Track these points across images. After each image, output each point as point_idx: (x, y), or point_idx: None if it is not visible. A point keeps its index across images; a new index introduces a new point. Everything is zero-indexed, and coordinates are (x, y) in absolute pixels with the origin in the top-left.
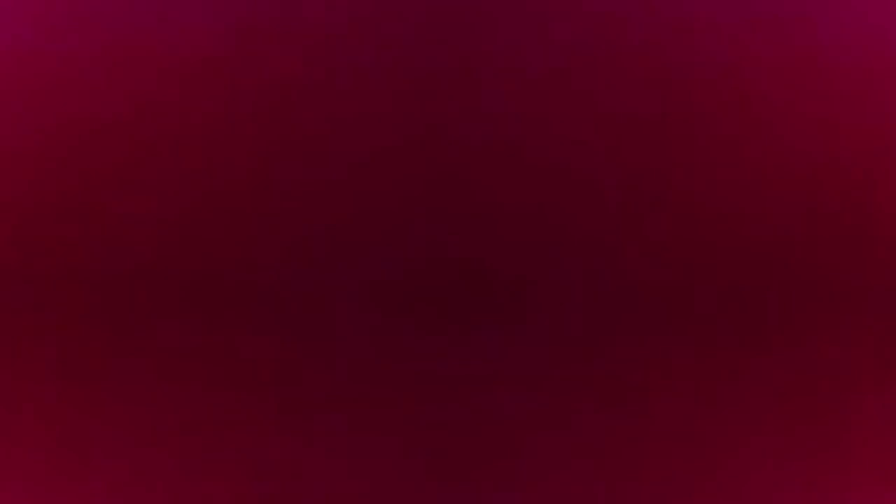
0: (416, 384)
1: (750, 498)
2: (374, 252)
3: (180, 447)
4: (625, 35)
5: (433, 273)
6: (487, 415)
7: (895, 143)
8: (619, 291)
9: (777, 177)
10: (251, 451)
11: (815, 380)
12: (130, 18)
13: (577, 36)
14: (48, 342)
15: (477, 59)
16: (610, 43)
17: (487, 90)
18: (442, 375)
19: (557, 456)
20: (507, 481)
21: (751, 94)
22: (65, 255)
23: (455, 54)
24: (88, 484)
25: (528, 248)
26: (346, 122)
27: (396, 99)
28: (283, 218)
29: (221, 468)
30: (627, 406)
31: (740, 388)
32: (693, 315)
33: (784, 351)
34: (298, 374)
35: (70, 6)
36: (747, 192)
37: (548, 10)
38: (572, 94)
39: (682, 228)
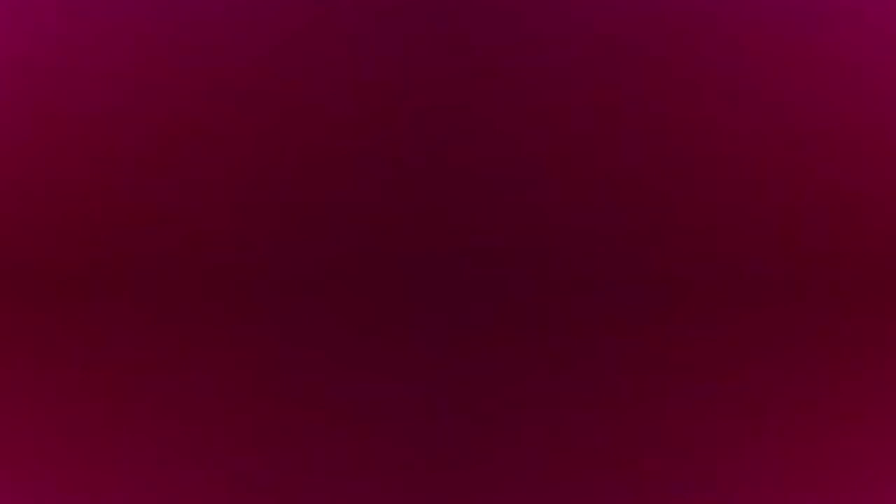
0: (415, 381)
1: (749, 497)
2: (374, 250)
3: (180, 441)
4: (625, 33)
5: (433, 270)
6: (485, 410)
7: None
8: (619, 289)
9: (777, 176)
10: (251, 446)
11: (814, 379)
12: (130, 18)
13: (575, 33)
14: (49, 340)
15: (474, 58)
16: (610, 39)
17: (486, 89)
18: (441, 370)
19: (555, 452)
20: (505, 478)
21: (751, 93)
22: (65, 254)
23: (452, 52)
24: (90, 479)
25: (528, 245)
26: (344, 119)
27: (394, 96)
28: (283, 215)
29: (221, 462)
30: (627, 403)
31: (739, 386)
32: (692, 311)
33: (784, 350)
34: (298, 369)
35: (70, 6)
36: (747, 191)
37: (549, 10)
38: (572, 92)
39: (682, 224)
